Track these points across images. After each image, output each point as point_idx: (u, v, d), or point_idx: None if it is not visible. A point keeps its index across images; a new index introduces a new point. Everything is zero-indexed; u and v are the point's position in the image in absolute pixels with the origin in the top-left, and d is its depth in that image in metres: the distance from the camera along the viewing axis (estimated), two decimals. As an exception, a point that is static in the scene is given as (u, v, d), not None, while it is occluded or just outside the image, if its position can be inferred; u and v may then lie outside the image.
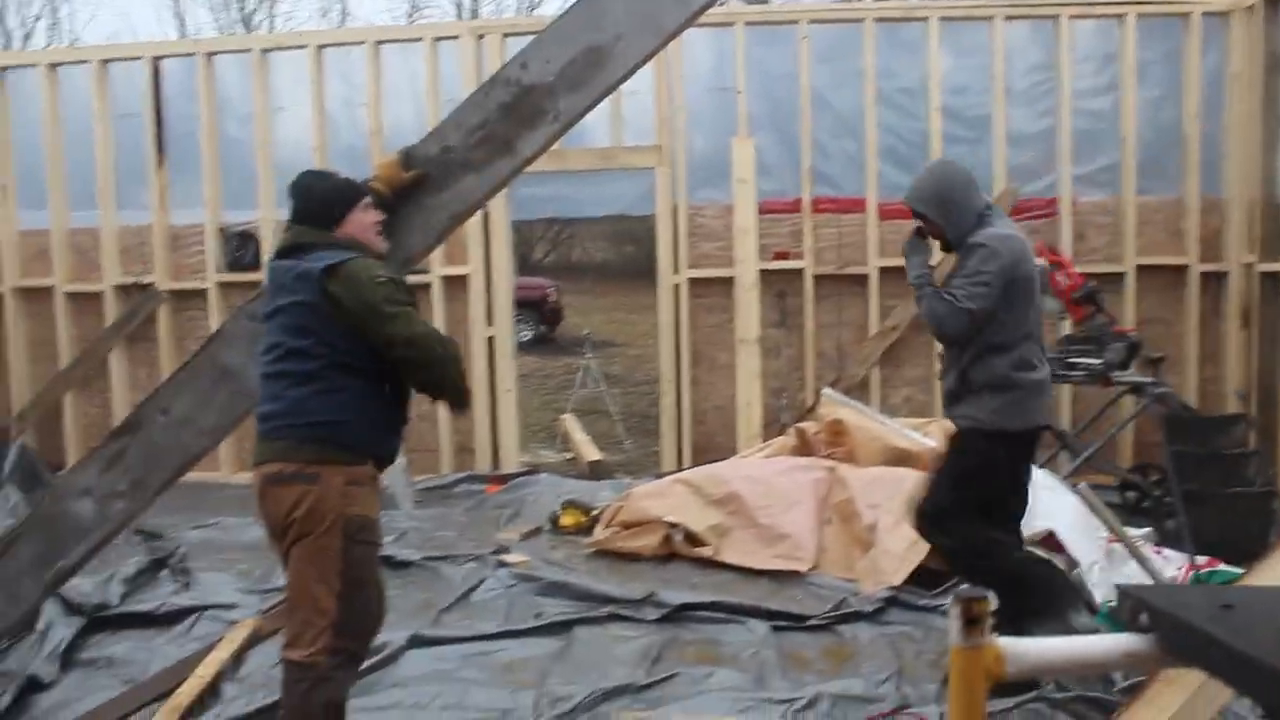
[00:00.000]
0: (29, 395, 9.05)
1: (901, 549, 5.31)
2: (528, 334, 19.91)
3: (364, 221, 3.48)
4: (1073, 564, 5.17)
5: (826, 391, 6.83)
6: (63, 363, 9.00)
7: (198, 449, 4.05)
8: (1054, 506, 5.46)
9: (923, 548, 5.26)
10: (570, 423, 11.48)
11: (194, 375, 4.04)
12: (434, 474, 8.63)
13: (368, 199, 3.51)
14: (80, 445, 8.77)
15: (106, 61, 8.87)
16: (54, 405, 8.99)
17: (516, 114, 3.73)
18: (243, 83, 8.74)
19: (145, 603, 5.38)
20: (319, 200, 3.43)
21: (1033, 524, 5.36)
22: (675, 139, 8.41)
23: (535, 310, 20.17)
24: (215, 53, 8.79)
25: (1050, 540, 5.30)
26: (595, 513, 6.75)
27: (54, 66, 8.94)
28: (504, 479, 8.31)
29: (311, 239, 3.38)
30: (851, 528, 5.85)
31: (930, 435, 6.40)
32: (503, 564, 5.99)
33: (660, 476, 8.34)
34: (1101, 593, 4.96)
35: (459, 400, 3.40)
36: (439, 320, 8.59)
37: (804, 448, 6.70)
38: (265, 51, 8.69)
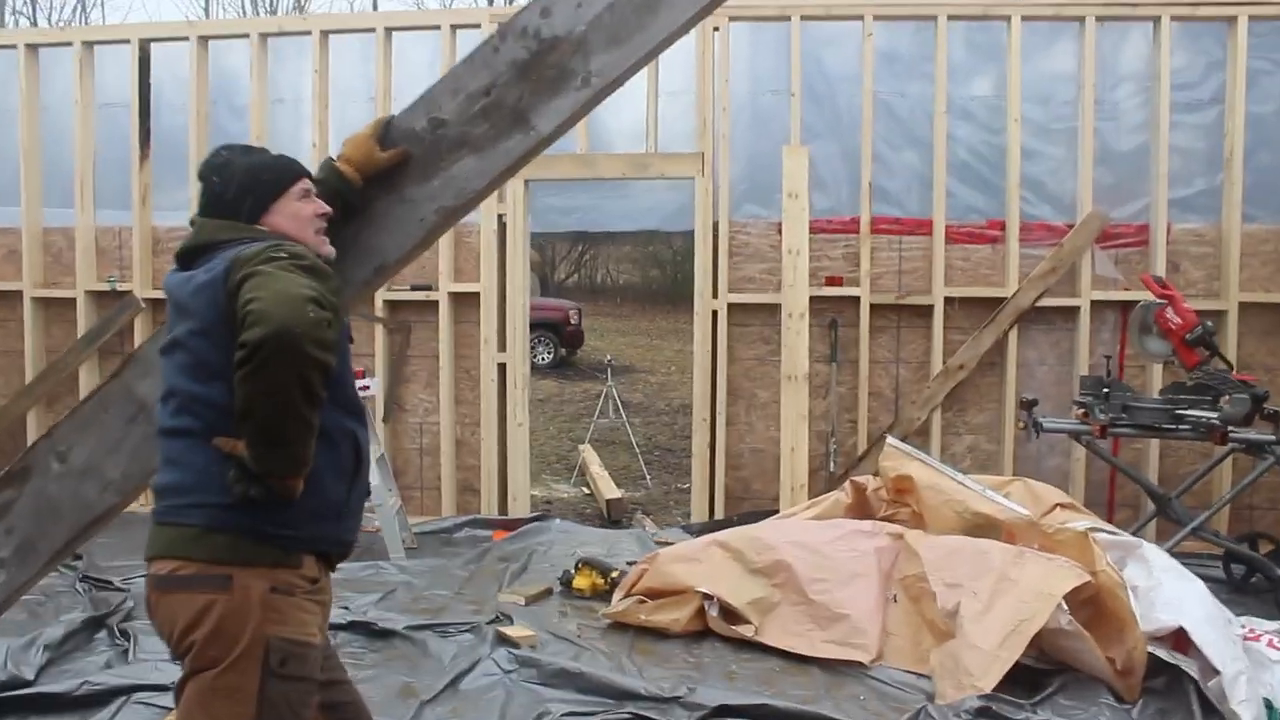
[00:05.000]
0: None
1: (992, 644, 4.30)
2: (547, 357, 19.13)
3: (298, 212, 2.53)
4: (1208, 670, 4.16)
5: (891, 441, 5.84)
6: (29, 375, 8.10)
7: (102, 506, 3.08)
8: (1181, 594, 4.47)
9: (1019, 641, 4.27)
10: (588, 455, 10.58)
11: (100, 411, 3.08)
12: (434, 515, 7.67)
13: (305, 183, 2.57)
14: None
15: (91, 44, 8.01)
16: (18, 422, 8.09)
17: (534, 76, 2.77)
18: (239, 71, 7.86)
19: (65, 678, 4.41)
20: (235, 183, 2.49)
21: (1154, 616, 4.36)
22: (718, 146, 7.45)
23: (555, 332, 19.44)
24: (210, 37, 7.90)
25: (1179, 638, 4.30)
26: (614, 575, 5.78)
27: (33, 48, 8.08)
28: (512, 524, 7.36)
29: (223, 235, 2.42)
30: (923, 609, 4.85)
31: (1014, 498, 5.39)
32: (503, 639, 5.01)
33: (688, 526, 7.42)
34: (1251, 714, 3.95)
35: (276, 467, 2.20)
36: (444, 343, 7.64)
37: (861, 507, 5.70)
38: (265, 36, 7.79)
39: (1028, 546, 4.87)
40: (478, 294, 7.64)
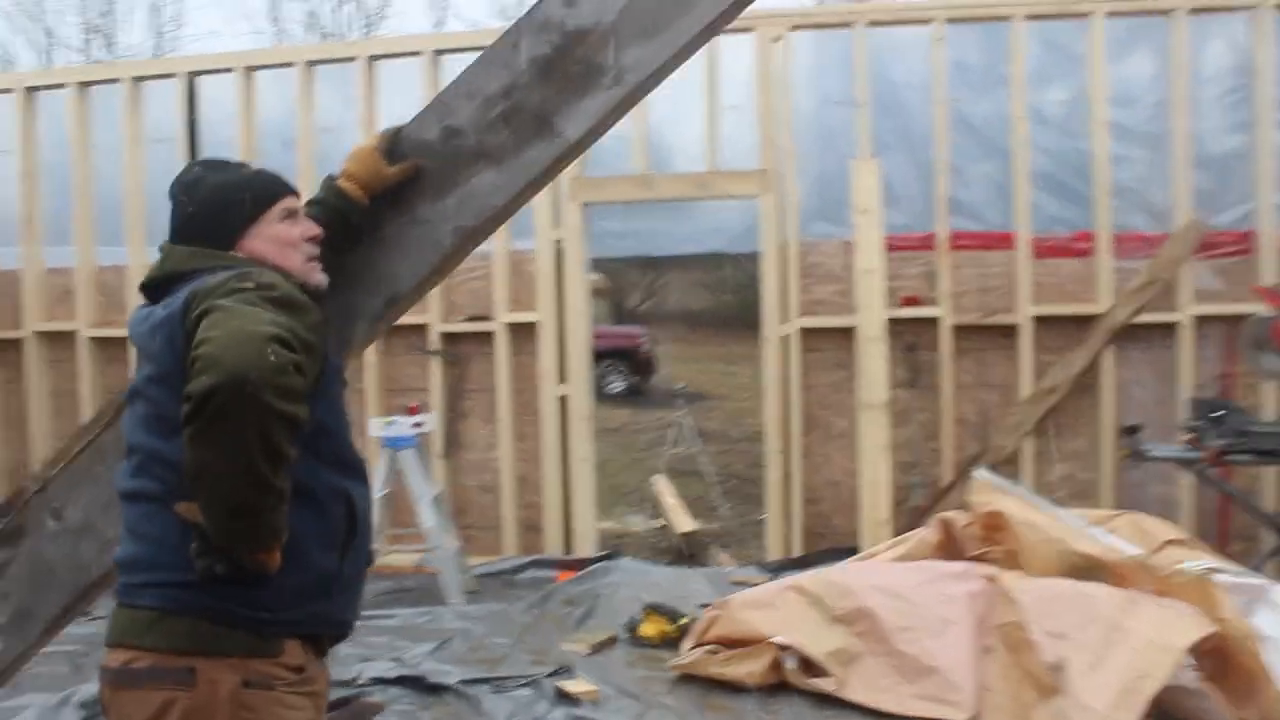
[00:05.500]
0: (49, 451, 8.00)
1: (1106, 704, 3.82)
2: (619, 385, 18.86)
3: (282, 235, 2.19)
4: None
5: (980, 473, 5.37)
6: (86, 415, 7.94)
7: (100, 569, 2.76)
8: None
9: (1137, 701, 3.79)
10: (661, 485, 10.21)
11: (95, 463, 2.78)
12: (496, 556, 7.33)
13: (290, 201, 2.23)
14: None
15: (140, 79, 7.86)
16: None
17: (558, 74, 2.42)
18: (286, 101, 7.65)
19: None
20: (207, 203, 2.16)
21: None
22: (783, 162, 7.06)
23: (626, 360, 19.14)
24: (255, 67, 7.70)
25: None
26: (684, 622, 5.38)
27: (84, 85, 7.96)
28: (577, 565, 6.98)
29: (191, 264, 2.08)
30: (1023, 661, 4.36)
31: (1119, 535, 4.90)
32: (563, 695, 4.64)
33: (764, 564, 6.98)
34: None
35: (238, 541, 1.82)
36: (501, 376, 7.33)
37: (950, 546, 5.23)
38: (311, 64, 7.58)
39: (1139, 590, 4.37)
40: (535, 325, 7.31)
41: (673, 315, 30.48)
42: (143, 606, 1.95)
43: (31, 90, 8.07)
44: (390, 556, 7.09)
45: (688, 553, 8.08)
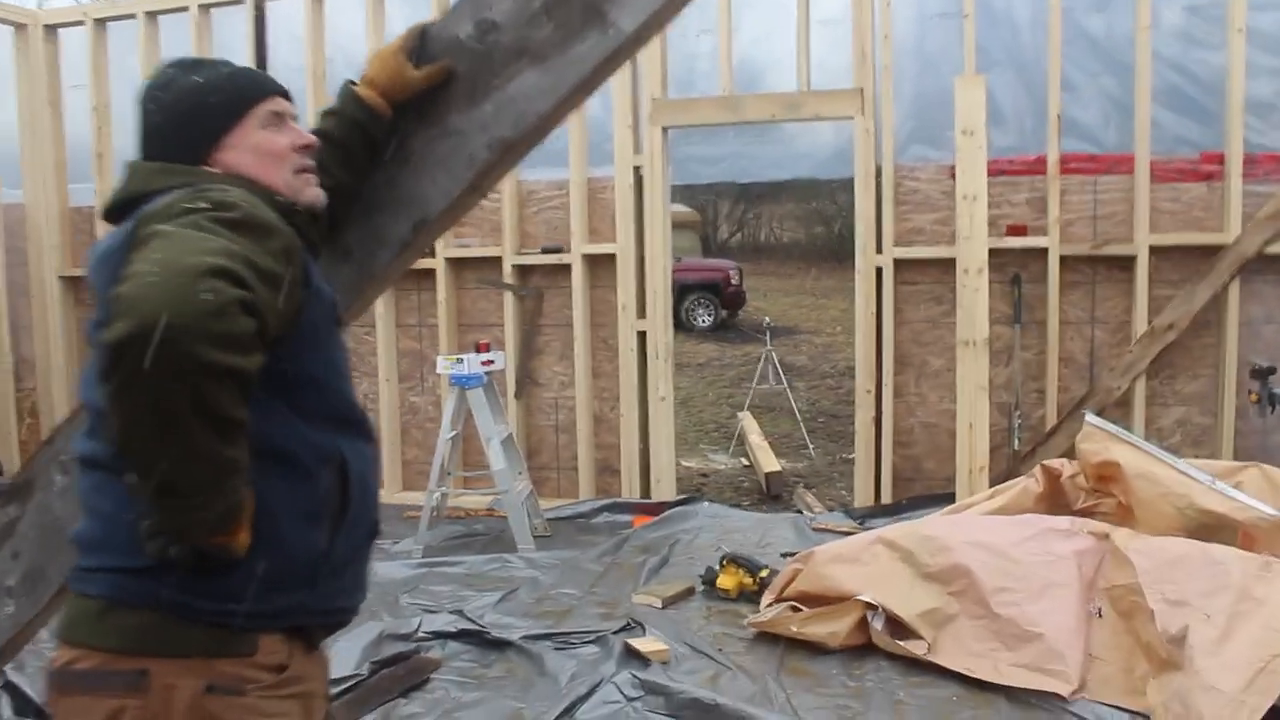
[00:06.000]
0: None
1: (1235, 686, 3.39)
2: (707, 319, 18.56)
3: (264, 145, 1.82)
4: None
5: (1090, 419, 4.90)
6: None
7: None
8: None
9: (1273, 683, 3.36)
10: (747, 423, 9.88)
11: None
12: (571, 499, 7.06)
13: (274, 104, 1.85)
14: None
15: (207, 7, 7.59)
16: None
17: (605, -47, 2.04)
18: (356, 23, 7.31)
19: None
20: (176, 110, 1.79)
21: None
22: (880, 81, 6.53)
23: (715, 294, 18.82)
24: (321, -13, 7.39)
25: None
26: (764, 575, 5.04)
27: (152, 15, 7.72)
28: (654, 509, 6.68)
29: (156, 183, 1.72)
30: (1136, 628, 3.94)
31: (1247, 489, 4.41)
32: (632, 653, 4.34)
33: (850, 510, 6.62)
34: None
35: (180, 524, 1.49)
36: (578, 311, 6.99)
37: (1055, 497, 4.79)
38: (377, -21, 7.23)
39: (1273, 554, 3.91)
40: (613, 256, 6.95)
41: (763, 248, 29.99)
42: (92, 595, 1.64)
43: (100, 22, 7.85)
44: (460, 499, 6.86)
45: (772, 493, 7.76)
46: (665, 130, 6.81)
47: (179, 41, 7.57)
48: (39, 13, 8.35)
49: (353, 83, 2.15)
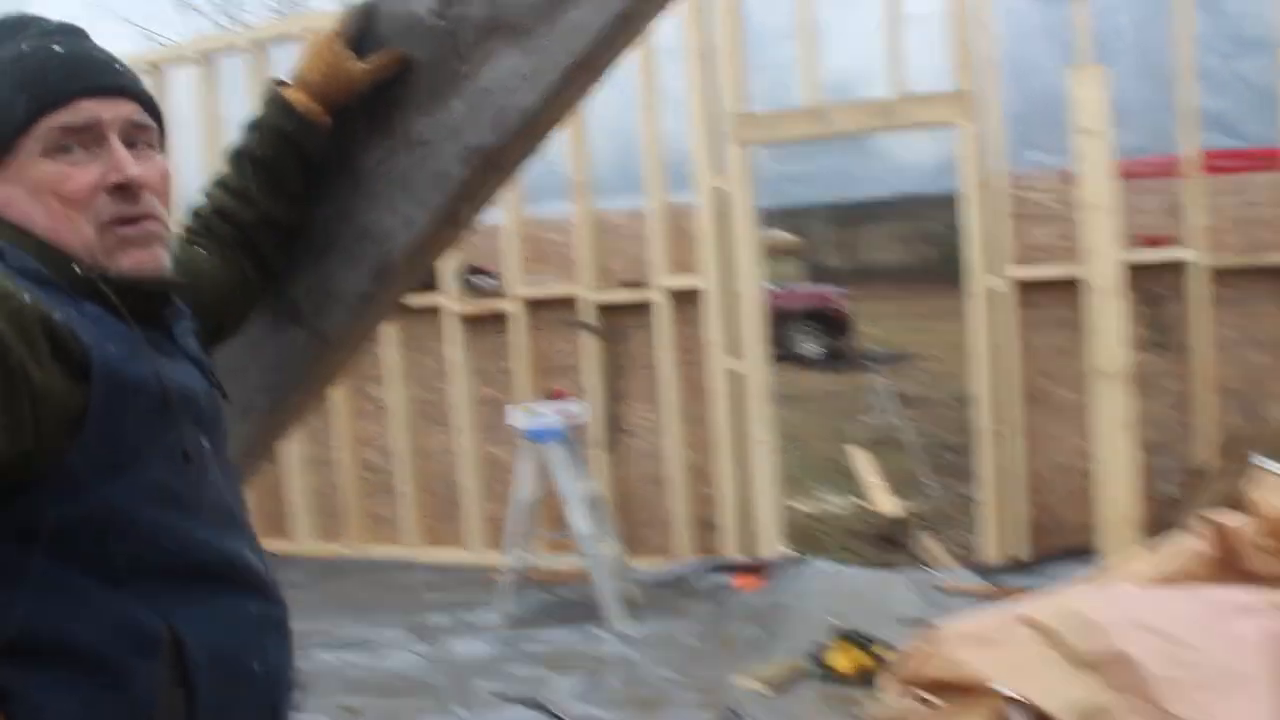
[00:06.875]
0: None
1: None
2: (814, 348, 17.99)
3: (47, 183, 1.22)
4: None
5: (1261, 462, 4.14)
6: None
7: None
8: None
9: None
10: (860, 460, 9.21)
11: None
12: (666, 557, 6.45)
13: (72, 111, 1.22)
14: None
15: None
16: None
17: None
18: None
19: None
20: None
21: None
22: (985, 79, 5.84)
23: (820, 321, 18.20)
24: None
25: None
26: (882, 651, 4.38)
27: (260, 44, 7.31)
28: (758, 568, 6.05)
29: None
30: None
31: None
32: (728, 759, 3.73)
33: (983, 569, 5.87)
34: None
35: None
36: (664, 351, 6.40)
37: (1230, 562, 4.01)
38: None
39: None
40: (698, 292, 6.35)
41: (868, 271, 29.23)
42: None
43: (207, 54, 7.50)
44: (547, 562, 6.31)
45: (890, 539, 7.07)
46: (748, 147, 6.21)
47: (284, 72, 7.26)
48: None
49: (280, 83, 1.60)
